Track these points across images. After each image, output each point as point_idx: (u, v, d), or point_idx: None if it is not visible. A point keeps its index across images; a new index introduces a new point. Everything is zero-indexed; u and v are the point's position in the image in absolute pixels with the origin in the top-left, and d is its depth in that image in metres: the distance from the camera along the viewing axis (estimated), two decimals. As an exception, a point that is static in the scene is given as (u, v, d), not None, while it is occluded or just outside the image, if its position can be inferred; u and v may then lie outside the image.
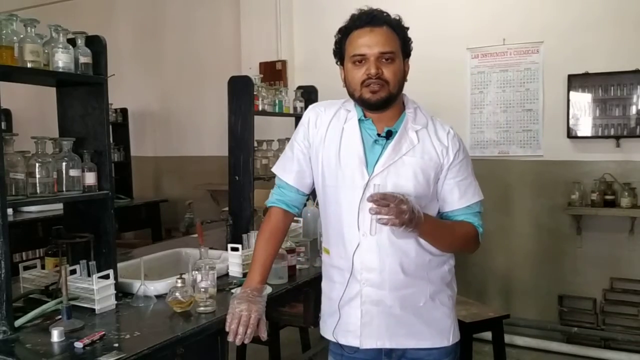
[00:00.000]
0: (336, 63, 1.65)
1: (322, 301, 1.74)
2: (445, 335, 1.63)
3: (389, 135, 1.57)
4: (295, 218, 1.90)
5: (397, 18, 1.58)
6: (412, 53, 1.62)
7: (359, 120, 1.61)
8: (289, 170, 1.73)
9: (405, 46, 1.58)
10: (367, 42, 1.52)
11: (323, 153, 1.64)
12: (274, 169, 1.79)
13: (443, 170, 1.59)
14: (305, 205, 1.99)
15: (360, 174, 1.56)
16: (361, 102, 1.59)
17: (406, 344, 1.60)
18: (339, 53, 1.61)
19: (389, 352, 1.61)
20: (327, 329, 1.69)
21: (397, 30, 1.56)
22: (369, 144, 1.60)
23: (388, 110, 1.59)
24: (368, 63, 1.52)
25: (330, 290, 1.68)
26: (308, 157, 1.70)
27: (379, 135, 1.59)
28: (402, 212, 1.41)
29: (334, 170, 1.61)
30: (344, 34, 1.59)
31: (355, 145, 1.59)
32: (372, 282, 1.57)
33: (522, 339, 3.85)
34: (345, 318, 1.61)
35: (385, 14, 1.56)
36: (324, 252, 1.73)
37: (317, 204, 3.01)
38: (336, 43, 1.62)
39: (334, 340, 1.66)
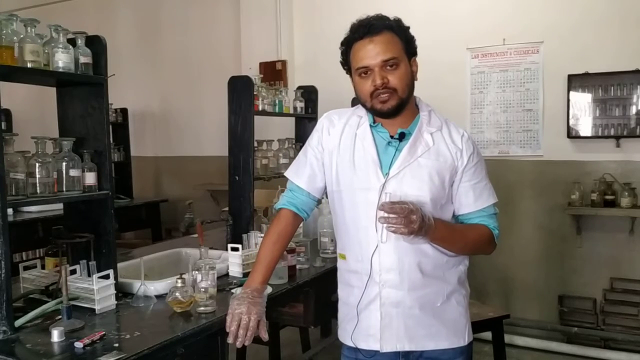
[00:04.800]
0: (346, 73, 1.65)
1: (339, 308, 1.74)
2: (460, 335, 1.64)
3: (402, 137, 1.58)
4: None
5: (397, 19, 1.58)
6: (413, 53, 1.62)
7: (370, 125, 1.62)
8: (301, 174, 1.73)
9: (409, 46, 1.57)
10: (369, 53, 1.52)
11: (338, 159, 1.64)
12: (287, 174, 1.78)
13: (458, 173, 1.60)
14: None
15: (375, 175, 1.56)
16: (373, 112, 1.60)
17: (425, 345, 1.60)
18: (346, 64, 1.62)
19: (407, 353, 1.61)
20: (345, 335, 1.68)
21: (398, 32, 1.56)
22: (382, 146, 1.60)
23: (401, 115, 1.59)
24: (373, 74, 1.53)
25: (347, 296, 1.67)
26: (321, 162, 1.70)
27: (391, 137, 1.59)
28: (411, 222, 1.42)
29: (349, 175, 1.61)
30: (347, 46, 1.59)
31: (369, 148, 1.59)
32: (392, 283, 1.56)
33: (522, 339, 3.85)
34: (364, 322, 1.61)
35: (384, 18, 1.56)
36: (339, 258, 1.72)
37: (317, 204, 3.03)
38: (342, 54, 1.62)
39: (352, 345, 1.65)
